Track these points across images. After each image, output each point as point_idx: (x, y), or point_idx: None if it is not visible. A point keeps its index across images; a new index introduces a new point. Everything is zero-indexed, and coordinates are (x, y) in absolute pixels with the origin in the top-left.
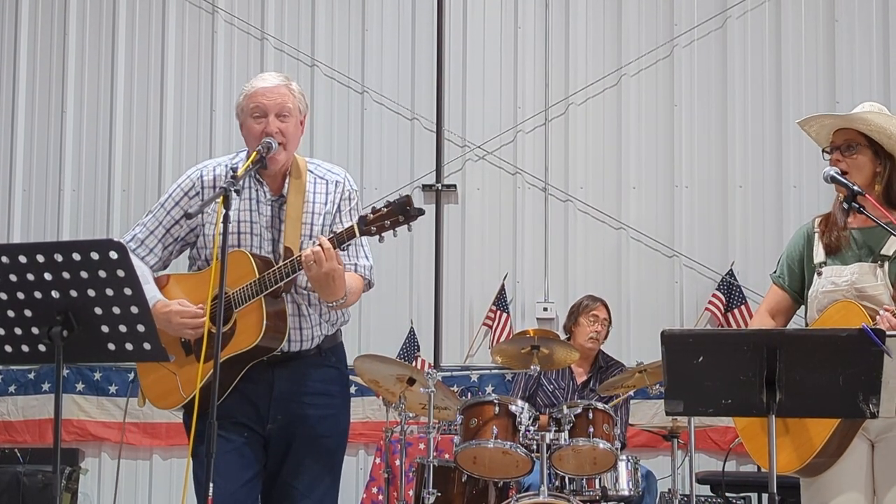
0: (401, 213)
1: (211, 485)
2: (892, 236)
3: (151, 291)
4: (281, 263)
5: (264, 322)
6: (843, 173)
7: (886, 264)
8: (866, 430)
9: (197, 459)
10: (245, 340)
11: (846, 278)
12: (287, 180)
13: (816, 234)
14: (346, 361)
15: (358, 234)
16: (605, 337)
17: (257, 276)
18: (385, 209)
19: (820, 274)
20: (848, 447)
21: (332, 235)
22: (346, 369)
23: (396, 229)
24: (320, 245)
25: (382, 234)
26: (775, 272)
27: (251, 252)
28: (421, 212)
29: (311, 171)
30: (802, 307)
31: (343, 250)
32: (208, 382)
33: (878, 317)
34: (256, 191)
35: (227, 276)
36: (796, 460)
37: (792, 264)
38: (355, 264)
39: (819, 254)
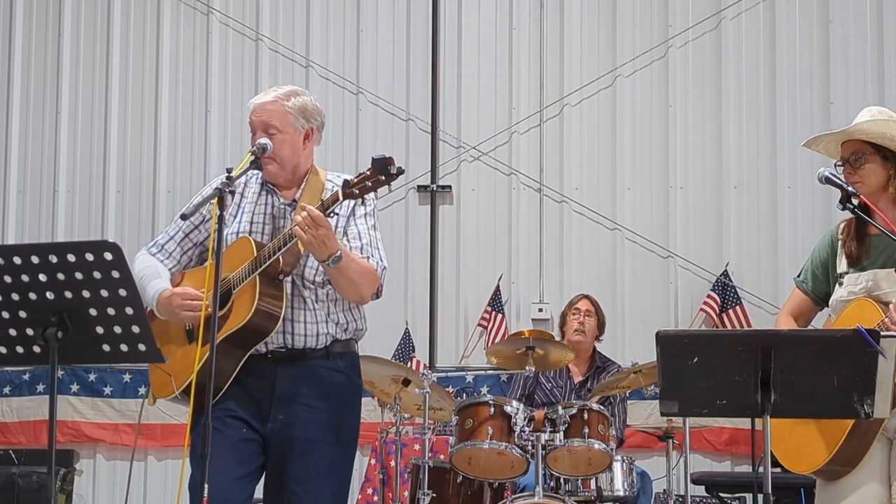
0: (381, 172)
1: (206, 486)
2: None
3: (161, 284)
4: (278, 237)
5: (256, 299)
6: (854, 184)
7: None
8: (885, 429)
9: (193, 452)
10: (237, 319)
11: (862, 285)
12: (303, 185)
13: (840, 243)
14: (359, 372)
15: (342, 198)
16: (598, 330)
17: (255, 255)
18: (368, 171)
19: (841, 284)
20: (867, 452)
21: (318, 204)
22: (358, 379)
23: (378, 190)
24: (304, 217)
25: (365, 196)
26: (798, 276)
27: (253, 238)
28: (401, 171)
29: (330, 180)
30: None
31: (329, 216)
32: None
33: (888, 311)
34: (271, 196)
35: (231, 262)
36: (808, 465)
37: (816, 270)
38: (369, 257)
39: (842, 263)
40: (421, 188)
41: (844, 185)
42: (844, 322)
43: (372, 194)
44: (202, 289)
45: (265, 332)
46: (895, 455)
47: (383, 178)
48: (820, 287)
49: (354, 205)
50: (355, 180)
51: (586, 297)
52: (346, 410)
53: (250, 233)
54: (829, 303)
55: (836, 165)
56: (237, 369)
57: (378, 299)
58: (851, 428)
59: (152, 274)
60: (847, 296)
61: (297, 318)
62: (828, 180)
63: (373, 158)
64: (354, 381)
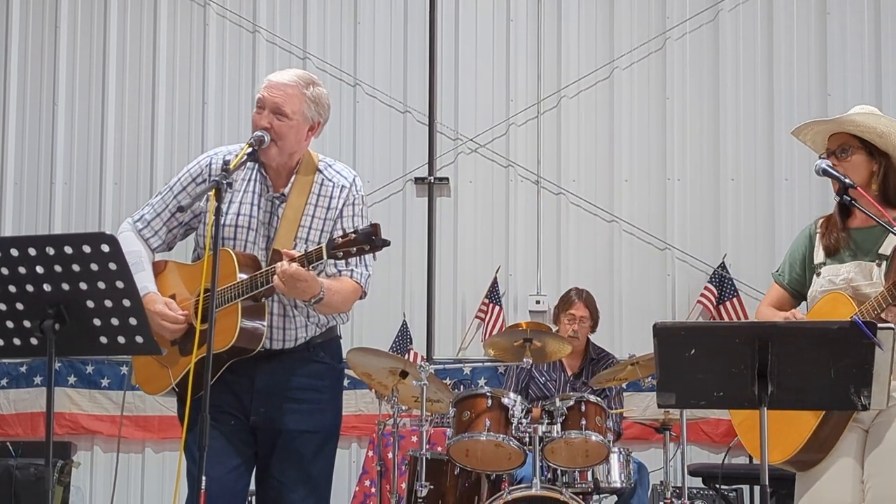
0: (366, 241)
1: (203, 478)
2: (889, 235)
3: (144, 280)
4: (258, 272)
5: (238, 327)
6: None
7: (884, 263)
8: (860, 420)
9: (187, 447)
10: (221, 341)
11: (843, 276)
12: (293, 178)
13: (818, 235)
14: (341, 356)
15: (325, 257)
16: (592, 329)
17: (237, 279)
18: (353, 235)
19: (819, 274)
20: (838, 440)
21: (301, 254)
22: (339, 364)
23: (363, 256)
24: (284, 270)
25: (348, 260)
26: (777, 271)
27: (236, 251)
28: (386, 243)
29: (321, 171)
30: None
31: (314, 269)
32: (196, 375)
33: (863, 305)
34: (260, 184)
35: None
36: (780, 454)
37: (794, 264)
38: (352, 270)
39: (819, 255)
40: (418, 180)
41: (841, 178)
42: (817, 315)
43: (362, 188)
44: (191, 291)
45: (250, 350)
46: (870, 443)
47: (367, 247)
48: (796, 280)
49: (344, 204)
50: (340, 242)
51: (584, 301)
52: (329, 398)
53: (237, 226)
54: (808, 294)
55: (820, 157)
56: (221, 371)
57: (363, 299)
58: (822, 418)
59: (136, 264)
60: (827, 285)
61: (276, 324)
62: (825, 172)
63: (358, 229)
64: (336, 368)
